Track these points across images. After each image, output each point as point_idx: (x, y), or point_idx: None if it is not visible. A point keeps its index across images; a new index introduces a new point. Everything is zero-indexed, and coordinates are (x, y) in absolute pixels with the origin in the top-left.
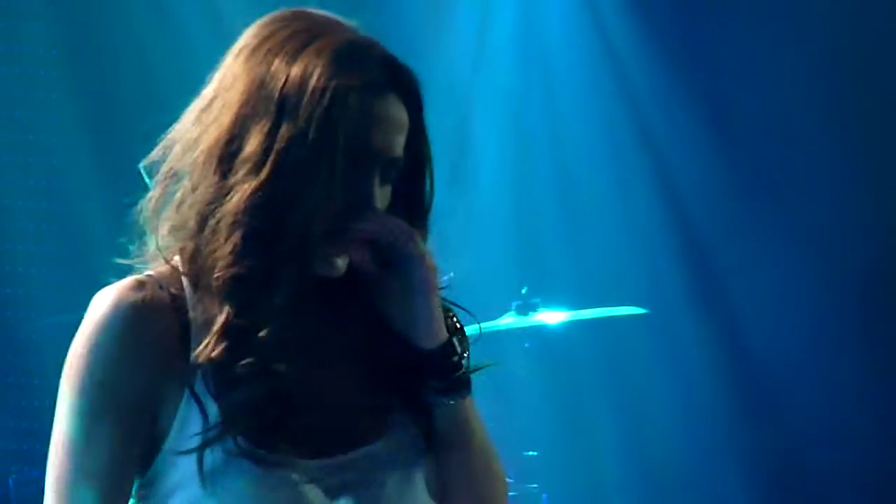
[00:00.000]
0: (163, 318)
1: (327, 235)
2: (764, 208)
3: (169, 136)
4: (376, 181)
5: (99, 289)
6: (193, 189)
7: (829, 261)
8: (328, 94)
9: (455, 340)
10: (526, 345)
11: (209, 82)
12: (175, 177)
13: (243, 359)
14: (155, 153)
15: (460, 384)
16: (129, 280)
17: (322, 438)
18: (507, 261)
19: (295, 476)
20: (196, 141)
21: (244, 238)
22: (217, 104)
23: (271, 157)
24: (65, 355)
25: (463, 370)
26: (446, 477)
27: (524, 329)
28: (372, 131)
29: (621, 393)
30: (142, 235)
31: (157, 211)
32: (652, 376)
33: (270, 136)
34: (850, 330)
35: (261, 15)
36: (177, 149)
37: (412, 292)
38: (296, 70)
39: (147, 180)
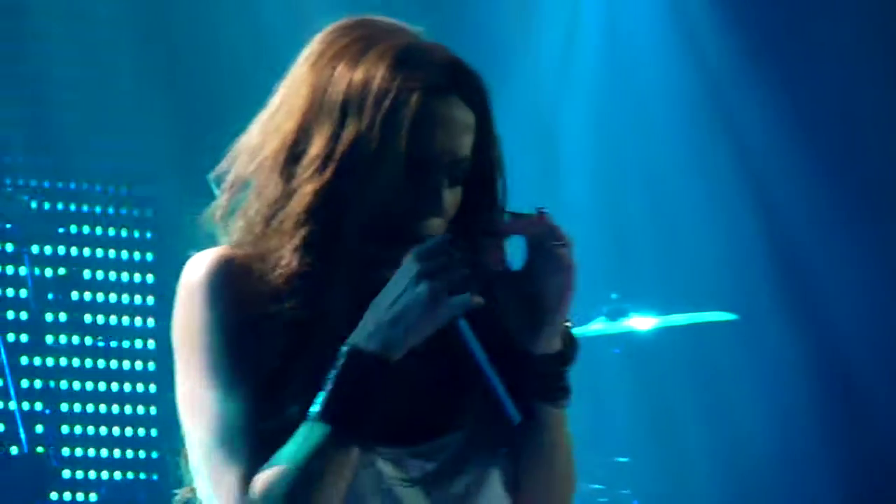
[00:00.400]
0: (252, 278)
1: (392, 235)
2: (855, 213)
3: (236, 145)
4: (443, 182)
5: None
6: (259, 194)
7: None
8: (390, 96)
9: (570, 348)
10: (616, 350)
11: (276, 92)
12: (241, 184)
13: (304, 355)
14: (223, 163)
15: (564, 391)
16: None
17: (403, 426)
18: (597, 267)
19: (375, 460)
20: (261, 147)
21: (306, 237)
22: (282, 111)
23: (334, 159)
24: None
25: (567, 378)
26: (525, 478)
27: (614, 335)
28: (435, 132)
29: (711, 399)
30: (210, 244)
31: (225, 218)
32: (741, 382)
33: (334, 138)
34: None
35: (343, 14)
36: (243, 157)
37: (547, 296)
38: (358, 74)
39: (215, 190)
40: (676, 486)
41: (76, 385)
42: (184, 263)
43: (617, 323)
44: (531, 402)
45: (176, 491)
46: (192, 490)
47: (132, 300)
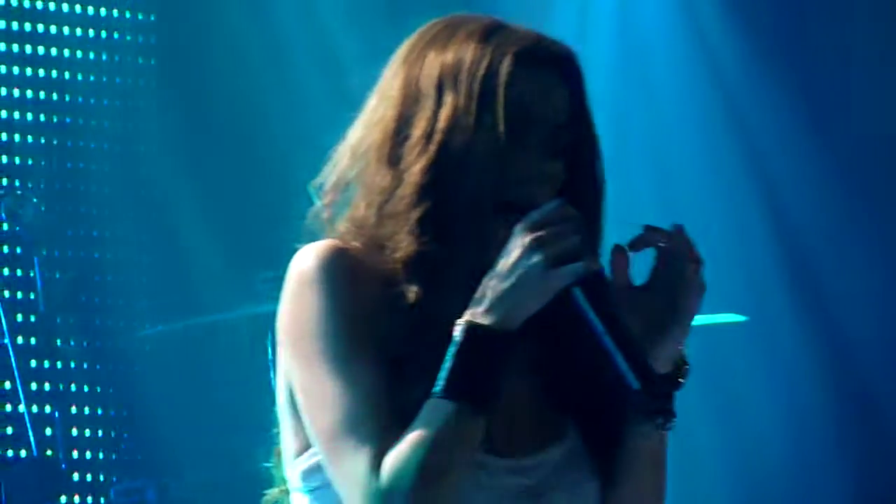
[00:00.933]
0: (364, 267)
1: (500, 207)
2: (866, 214)
3: (336, 151)
4: (545, 148)
5: (198, 298)
6: (368, 187)
7: None
8: (483, 64)
9: (681, 371)
10: None
11: (370, 96)
12: (345, 184)
13: (426, 336)
14: (324, 171)
15: (669, 414)
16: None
17: (507, 437)
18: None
19: (480, 470)
20: (363, 143)
21: (421, 217)
22: (379, 107)
23: (436, 136)
24: (161, 364)
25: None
26: (617, 498)
27: None
28: (530, 94)
29: (722, 400)
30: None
31: (332, 220)
32: (752, 384)
33: (433, 117)
34: None
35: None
36: (344, 158)
37: (671, 315)
38: (449, 55)
39: (315, 200)
40: (685, 490)
41: (86, 388)
42: (188, 266)
43: None
44: (638, 418)
45: (266, 491)
46: (283, 490)
47: (139, 303)
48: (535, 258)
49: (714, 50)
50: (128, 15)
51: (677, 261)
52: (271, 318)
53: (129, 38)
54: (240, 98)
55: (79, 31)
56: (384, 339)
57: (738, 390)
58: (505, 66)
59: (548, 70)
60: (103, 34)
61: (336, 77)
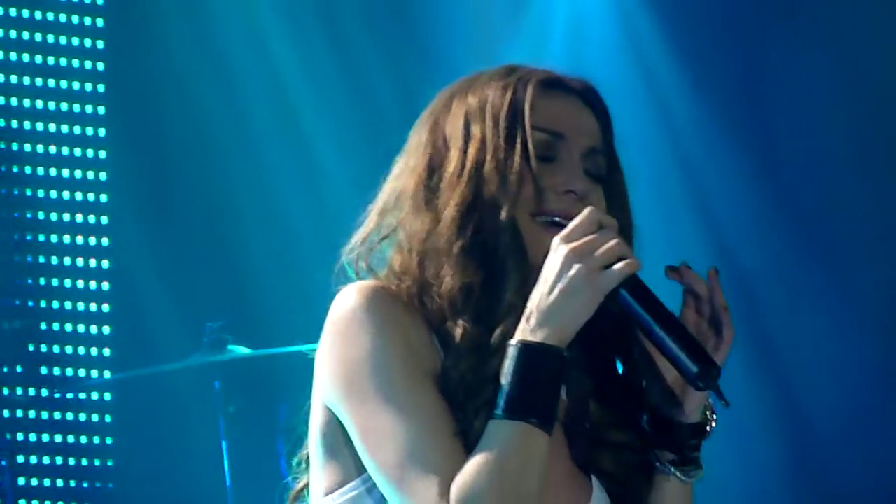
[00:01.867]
0: (409, 308)
1: (537, 222)
2: (816, 263)
3: (368, 210)
4: (579, 160)
5: (147, 347)
6: (409, 234)
7: (884, 307)
8: (507, 94)
9: (709, 420)
10: None
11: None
12: (385, 233)
13: (481, 369)
14: (359, 233)
15: (697, 464)
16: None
17: (543, 496)
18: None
19: None
20: (395, 196)
21: (462, 249)
22: (410, 159)
23: (467, 170)
24: (114, 413)
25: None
26: None
27: None
28: (558, 117)
29: None
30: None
31: (372, 268)
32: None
33: (463, 153)
34: None
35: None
36: (375, 215)
37: None
38: (473, 97)
39: (353, 275)
40: None
41: (32, 437)
42: (140, 315)
43: None
44: (666, 468)
45: None
46: None
47: (88, 352)
48: (577, 267)
49: (664, 96)
50: (76, 64)
51: (712, 306)
52: (219, 367)
53: (76, 86)
54: (194, 148)
55: (26, 80)
56: (436, 372)
57: None
58: (529, 92)
59: (572, 97)
60: (51, 83)
61: (292, 120)
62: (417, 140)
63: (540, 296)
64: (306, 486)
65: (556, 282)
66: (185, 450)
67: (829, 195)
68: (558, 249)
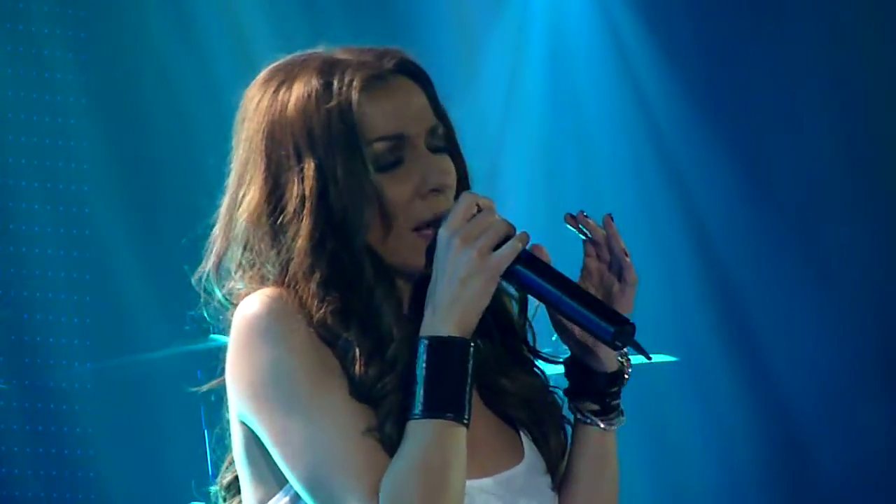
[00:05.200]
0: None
1: (418, 236)
2: (796, 253)
3: (214, 235)
4: (426, 150)
5: (127, 336)
6: (269, 263)
7: (864, 307)
8: (333, 109)
9: (626, 367)
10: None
11: (230, 172)
12: (235, 262)
13: (384, 378)
14: (206, 262)
15: (619, 411)
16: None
17: (475, 459)
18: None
19: None
20: (243, 224)
21: (323, 281)
22: (249, 189)
23: (308, 201)
24: (95, 402)
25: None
26: (576, 499)
27: (551, 376)
28: (389, 107)
29: (651, 441)
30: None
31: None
32: (682, 425)
33: (300, 183)
34: (886, 379)
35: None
36: (222, 240)
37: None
38: (295, 114)
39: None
40: None
41: (14, 426)
42: (120, 304)
43: (556, 365)
44: (584, 421)
45: None
46: None
47: (70, 341)
48: (467, 253)
49: (646, 93)
50: (58, 53)
51: (609, 254)
52: (200, 355)
53: (59, 76)
54: (174, 136)
55: (9, 70)
56: (340, 375)
57: (668, 431)
58: (355, 101)
59: (396, 82)
60: (33, 73)
61: None
62: (245, 162)
63: (438, 289)
64: (234, 478)
65: (451, 273)
66: (166, 439)
67: (812, 191)
68: (445, 241)
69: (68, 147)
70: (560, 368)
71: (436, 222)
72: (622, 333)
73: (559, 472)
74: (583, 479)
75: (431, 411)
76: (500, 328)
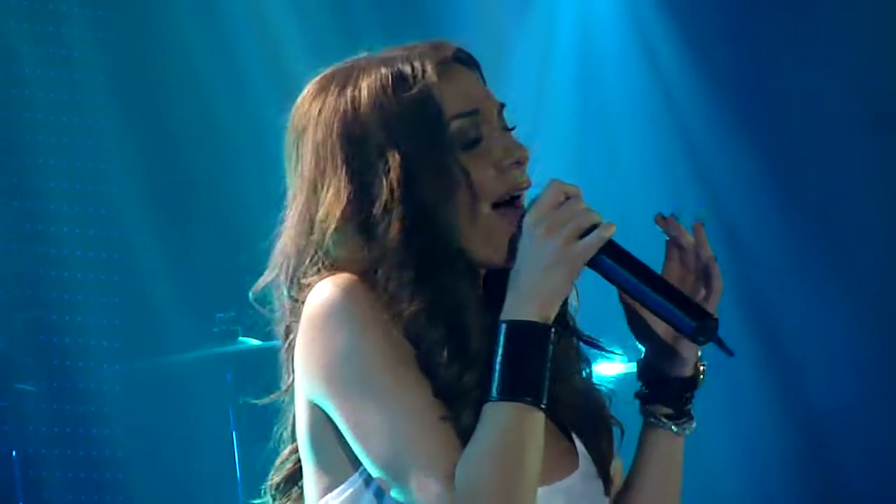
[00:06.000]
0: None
1: (497, 214)
2: (824, 258)
3: (281, 248)
4: (503, 133)
5: (156, 338)
6: (353, 262)
7: (892, 311)
8: (413, 91)
9: (700, 373)
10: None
11: (290, 184)
12: (315, 260)
13: (466, 373)
14: (266, 276)
15: (690, 417)
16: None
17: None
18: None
19: None
20: (325, 222)
21: (411, 280)
22: (329, 190)
23: (396, 194)
24: (123, 404)
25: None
26: (640, 490)
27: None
28: (465, 94)
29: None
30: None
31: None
32: (709, 429)
33: (385, 176)
34: None
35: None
36: (299, 241)
37: None
38: (368, 108)
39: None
40: None
41: (43, 428)
42: (150, 307)
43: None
44: (657, 424)
45: None
46: None
47: (99, 343)
48: (553, 242)
49: (675, 96)
50: (87, 55)
51: (694, 259)
52: (229, 358)
53: (88, 77)
54: (203, 140)
55: (39, 71)
56: (414, 361)
57: (695, 436)
58: (432, 83)
59: (460, 66)
60: (64, 74)
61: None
62: (319, 168)
63: (521, 276)
64: (285, 478)
65: (535, 260)
66: (195, 441)
67: (835, 186)
68: (530, 229)
69: (97, 148)
70: (609, 374)
71: (514, 200)
72: (705, 328)
73: (610, 477)
74: (649, 483)
75: (509, 394)
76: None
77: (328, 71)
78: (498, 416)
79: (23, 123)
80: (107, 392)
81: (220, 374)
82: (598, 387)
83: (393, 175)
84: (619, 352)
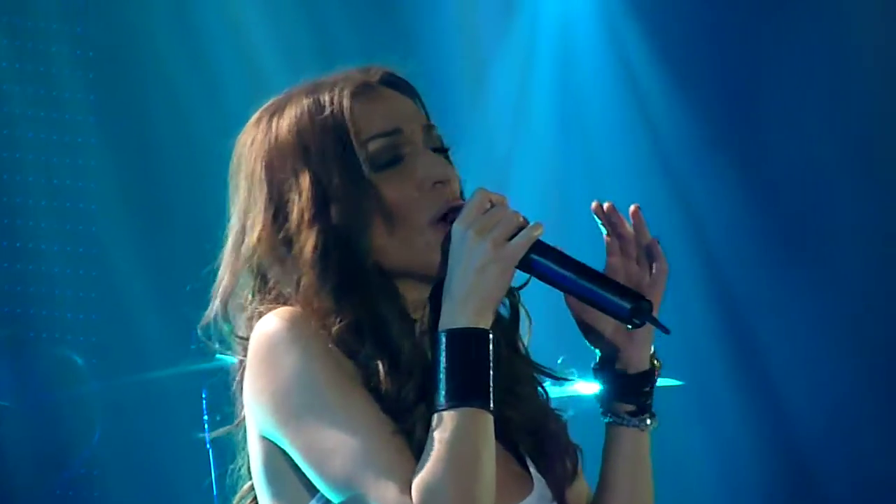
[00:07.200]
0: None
1: (434, 229)
2: (802, 279)
3: (218, 281)
4: (426, 152)
5: (133, 355)
6: (281, 283)
7: (874, 331)
8: (325, 114)
9: (656, 367)
10: (570, 413)
11: (230, 217)
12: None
13: (404, 388)
14: (210, 310)
15: (652, 411)
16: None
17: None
18: (545, 330)
19: None
20: (251, 249)
21: (332, 292)
22: (251, 215)
23: (306, 215)
24: (100, 421)
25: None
26: (612, 493)
27: (559, 399)
28: (381, 110)
29: (656, 465)
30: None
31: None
32: (689, 448)
33: (297, 192)
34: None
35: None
36: (233, 269)
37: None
38: (288, 134)
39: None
40: None
41: (19, 445)
42: (127, 323)
43: (563, 387)
44: (620, 423)
45: None
46: None
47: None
48: (482, 244)
49: (653, 114)
50: (67, 72)
51: (635, 246)
52: (206, 374)
53: (67, 95)
54: (182, 154)
55: (17, 88)
56: (361, 381)
57: (675, 452)
58: (346, 107)
59: (384, 91)
60: (42, 91)
61: None
62: (247, 196)
63: (453, 282)
64: None
65: (466, 264)
66: (171, 457)
67: (814, 196)
68: (460, 234)
69: (76, 165)
70: (563, 392)
71: (451, 214)
72: (639, 310)
73: (566, 501)
74: (619, 483)
75: (457, 400)
76: (506, 350)
77: (267, 103)
78: (447, 424)
79: (0, 140)
80: (84, 408)
81: (196, 390)
82: (554, 410)
83: (304, 197)
84: (573, 377)
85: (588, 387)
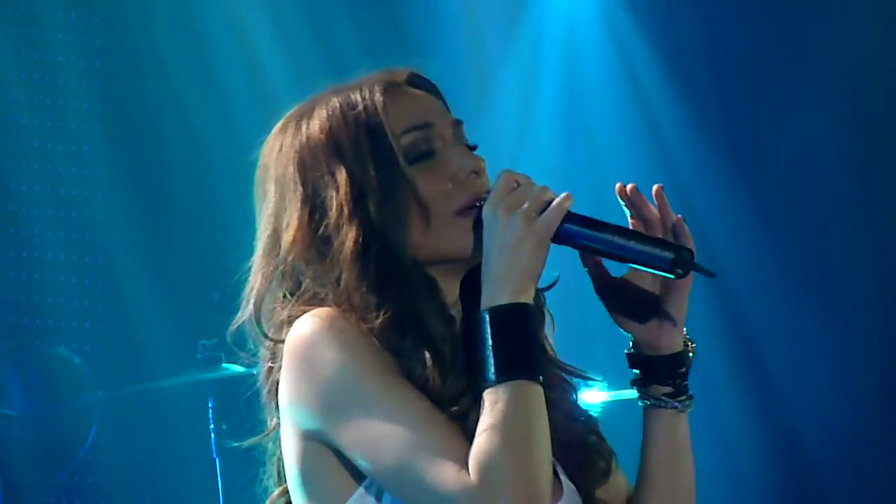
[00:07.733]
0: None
1: (463, 218)
2: (808, 281)
3: (250, 284)
4: (458, 146)
5: (139, 365)
6: (319, 284)
7: (876, 341)
8: (354, 112)
9: (689, 348)
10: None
11: (259, 224)
12: (283, 286)
13: (448, 379)
14: (242, 312)
15: (689, 392)
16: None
17: None
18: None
19: None
20: (287, 250)
21: (369, 289)
22: (286, 218)
23: (346, 204)
24: (105, 431)
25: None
26: (647, 493)
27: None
28: (411, 105)
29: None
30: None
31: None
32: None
33: (334, 189)
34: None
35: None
36: (266, 271)
37: (674, 296)
38: (320, 134)
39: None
40: None
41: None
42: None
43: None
44: (658, 405)
45: None
46: None
47: None
48: (514, 221)
49: (658, 121)
50: (73, 82)
51: (659, 226)
52: (212, 384)
53: (73, 104)
54: (188, 165)
55: (24, 99)
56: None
57: None
58: (378, 102)
59: (412, 89)
60: (48, 101)
61: None
62: (281, 199)
63: (490, 263)
64: None
65: (500, 243)
66: (177, 467)
67: (815, 197)
68: (490, 216)
69: (82, 175)
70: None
71: (477, 204)
72: (682, 259)
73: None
74: (660, 469)
75: (505, 374)
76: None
77: (290, 111)
78: (499, 398)
79: (6, 149)
80: (89, 418)
81: (202, 400)
82: (584, 410)
83: (342, 192)
84: (599, 379)
85: (592, 396)
